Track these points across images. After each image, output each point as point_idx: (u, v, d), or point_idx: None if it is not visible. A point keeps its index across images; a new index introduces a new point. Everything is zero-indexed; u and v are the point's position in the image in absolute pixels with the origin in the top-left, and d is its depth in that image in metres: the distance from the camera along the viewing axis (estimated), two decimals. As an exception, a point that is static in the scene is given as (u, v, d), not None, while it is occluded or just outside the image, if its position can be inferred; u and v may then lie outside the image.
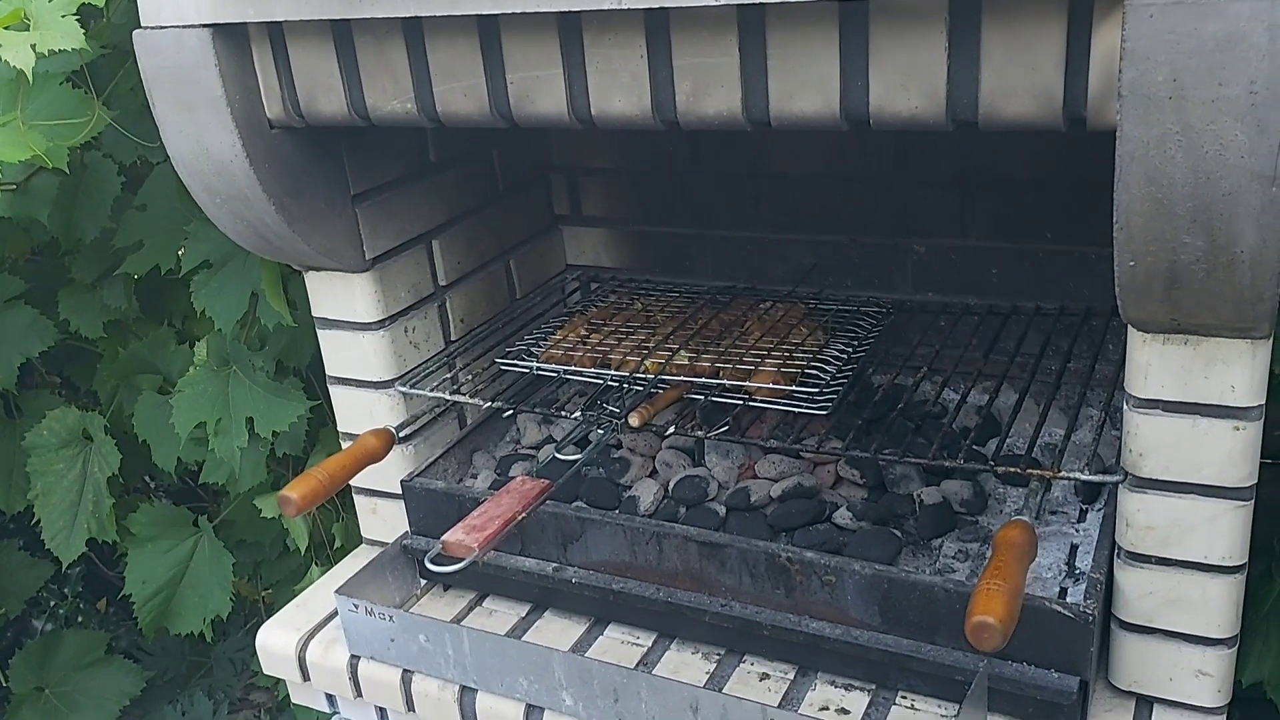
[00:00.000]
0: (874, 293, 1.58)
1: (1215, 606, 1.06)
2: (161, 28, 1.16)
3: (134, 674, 2.14)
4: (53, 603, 2.33)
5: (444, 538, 1.06)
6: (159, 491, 2.44)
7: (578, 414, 1.30)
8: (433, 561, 1.06)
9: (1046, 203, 1.45)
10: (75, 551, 1.88)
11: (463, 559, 1.05)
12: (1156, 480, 1.04)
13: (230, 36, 1.16)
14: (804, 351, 1.36)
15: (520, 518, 1.09)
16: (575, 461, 1.21)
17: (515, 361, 1.45)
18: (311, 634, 1.42)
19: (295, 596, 2.02)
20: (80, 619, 2.35)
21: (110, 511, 1.87)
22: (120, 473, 1.86)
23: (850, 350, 1.38)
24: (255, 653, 1.82)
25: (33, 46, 1.24)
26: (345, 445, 1.53)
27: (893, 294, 1.57)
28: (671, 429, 1.28)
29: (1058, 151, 1.42)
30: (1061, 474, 1.12)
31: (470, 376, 1.49)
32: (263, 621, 1.46)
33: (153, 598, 1.88)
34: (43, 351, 1.92)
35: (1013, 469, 1.14)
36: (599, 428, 1.27)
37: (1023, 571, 0.97)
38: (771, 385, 1.29)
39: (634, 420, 1.25)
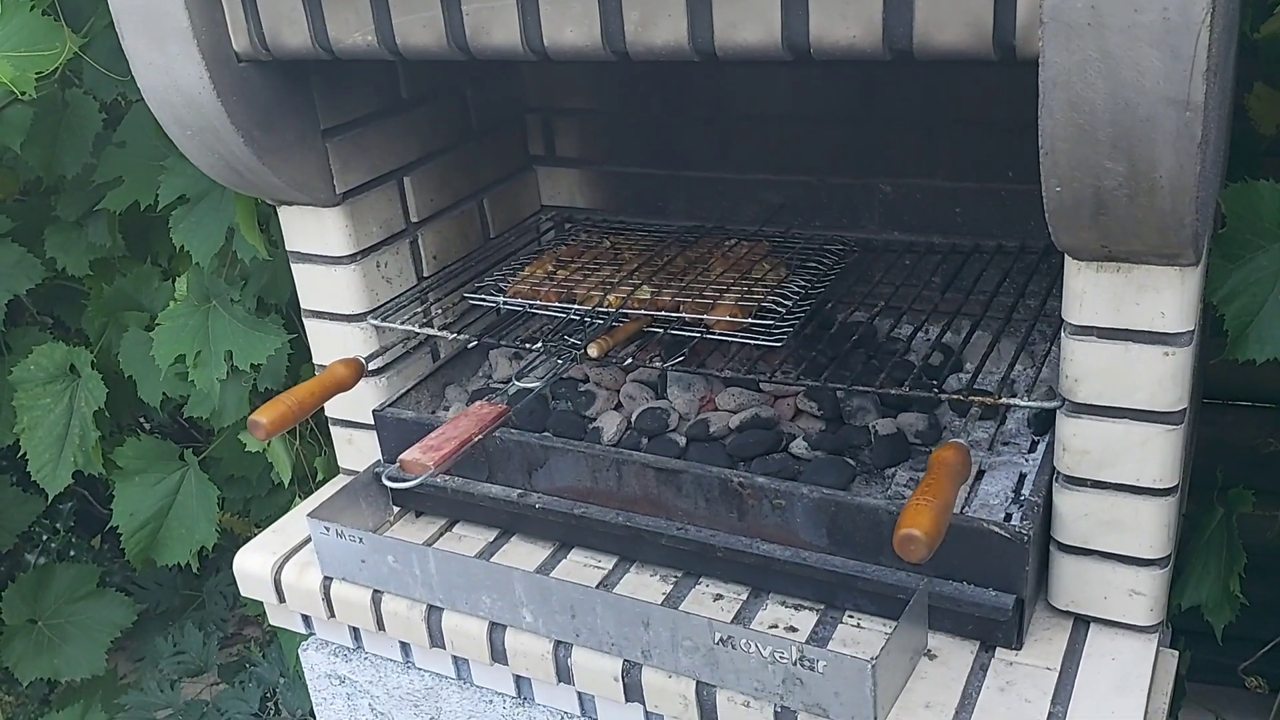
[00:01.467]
0: (842, 232, 1.61)
1: (1147, 528, 1.10)
2: (128, -40, 1.18)
3: (126, 606, 2.19)
4: (45, 537, 2.38)
5: (402, 456, 1.10)
6: (153, 431, 2.48)
7: (539, 345, 1.34)
8: (390, 478, 1.10)
9: (1008, 142, 1.47)
10: (61, 483, 1.93)
11: (418, 475, 1.08)
12: (1091, 405, 1.08)
13: (196, -32, 1.19)
14: (763, 286, 1.39)
15: (476, 439, 1.13)
16: (534, 389, 1.25)
17: (483, 297, 1.48)
18: (287, 557, 1.46)
19: (280, 529, 2.08)
20: (73, 553, 2.40)
21: (96, 444, 1.91)
22: (108, 408, 1.90)
23: (809, 285, 1.41)
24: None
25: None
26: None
27: (860, 233, 1.60)
28: (630, 359, 1.31)
29: (1020, 90, 1.43)
30: (1002, 400, 1.15)
31: (441, 311, 1.52)
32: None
33: (140, 529, 1.92)
34: (32, 291, 1.96)
35: (955, 395, 1.17)
36: (559, 358, 1.31)
37: (954, 489, 1.00)
38: (728, 318, 1.32)
39: (593, 351, 1.28)
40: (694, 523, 1.29)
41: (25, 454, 1.92)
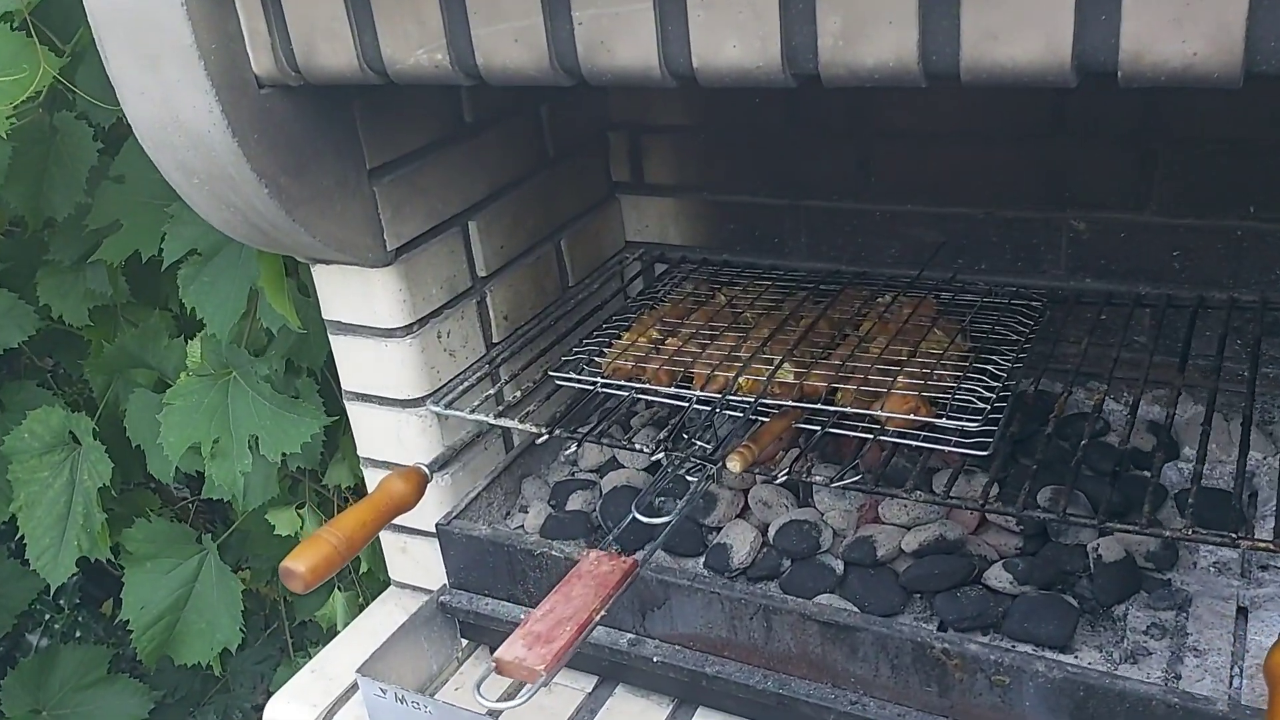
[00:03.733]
0: (1017, 279, 1.27)
1: None
2: (108, -46, 0.87)
3: (140, 694, 1.90)
4: (48, 616, 2.09)
5: (498, 654, 0.78)
6: (173, 487, 2.18)
7: (660, 455, 1.01)
8: (484, 694, 0.78)
9: (1249, 168, 1.14)
10: (64, 572, 1.64)
11: (529, 684, 0.77)
12: None
13: (199, -35, 0.87)
14: (948, 366, 1.06)
15: (599, 616, 0.81)
16: (666, 524, 0.92)
17: (574, 376, 1.16)
18: (331, 711, 1.15)
19: (316, 618, 1.78)
20: (79, 634, 2.11)
21: (103, 527, 1.62)
22: (112, 483, 1.60)
23: (1008, 363, 1.08)
24: (276, 665, 1.55)
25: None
26: (365, 472, 1.26)
27: (1041, 280, 1.27)
28: (785, 473, 0.99)
29: (1267, 102, 1.10)
30: (1333, 554, 0.82)
31: (518, 391, 1.21)
32: (284, 625, 1.20)
33: (153, 624, 1.64)
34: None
35: (1264, 543, 0.84)
36: (687, 473, 0.99)
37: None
38: (913, 415, 0.99)
39: (734, 465, 0.96)
40: (873, 694, 0.97)
41: (23, 536, 1.63)
